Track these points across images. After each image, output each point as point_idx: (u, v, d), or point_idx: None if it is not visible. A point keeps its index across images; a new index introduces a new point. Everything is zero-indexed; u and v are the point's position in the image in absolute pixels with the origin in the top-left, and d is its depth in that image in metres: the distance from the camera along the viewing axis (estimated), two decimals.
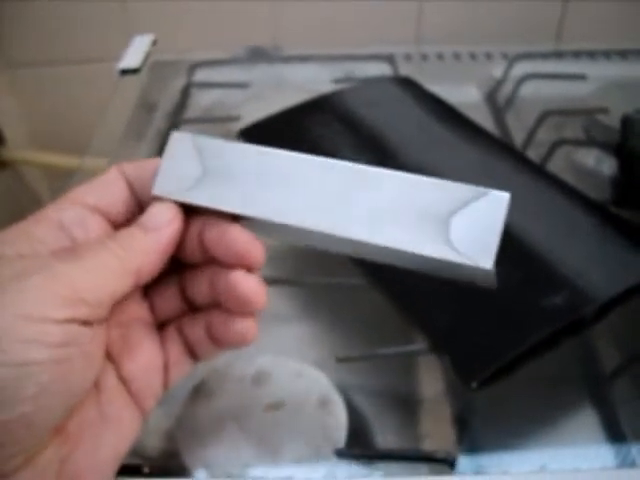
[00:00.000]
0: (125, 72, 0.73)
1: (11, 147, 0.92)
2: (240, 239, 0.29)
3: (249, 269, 0.30)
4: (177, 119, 0.68)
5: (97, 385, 0.29)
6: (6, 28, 0.89)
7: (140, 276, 0.29)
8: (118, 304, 0.30)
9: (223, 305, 0.30)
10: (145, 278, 0.29)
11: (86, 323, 0.26)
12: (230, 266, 0.30)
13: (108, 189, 0.31)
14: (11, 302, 0.25)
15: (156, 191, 0.30)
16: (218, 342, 0.31)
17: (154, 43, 0.77)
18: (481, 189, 0.27)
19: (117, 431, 0.30)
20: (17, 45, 0.91)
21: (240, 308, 0.30)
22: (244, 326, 0.30)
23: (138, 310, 0.32)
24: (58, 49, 0.92)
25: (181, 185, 0.30)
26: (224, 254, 0.30)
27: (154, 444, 0.38)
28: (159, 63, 0.77)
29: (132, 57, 0.74)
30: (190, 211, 0.30)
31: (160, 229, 0.29)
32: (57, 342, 0.25)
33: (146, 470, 0.35)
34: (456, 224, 0.27)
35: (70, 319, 0.25)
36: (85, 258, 0.27)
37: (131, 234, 0.29)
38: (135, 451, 0.36)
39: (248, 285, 0.29)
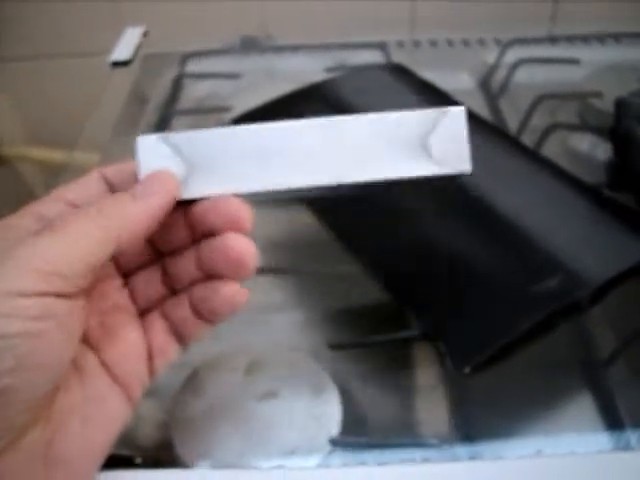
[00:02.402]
0: (116, 64, 0.72)
1: (5, 143, 0.92)
2: (231, 202, 0.30)
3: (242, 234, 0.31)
4: (169, 111, 0.67)
5: (79, 369, 0.30)
6: None
7: (121, 243, 0.28)
8: (96, 291, 0.30)
9: (213, 273, 0.31)
10: (126, 246, 0.29)
11: (63, 295, 0.26)
12: (221, 233, 0.30)
13: (88, 187, 0.31)
14: None
15: None
16: (207, 316, 0.32)
17: (145, 35, 0.77)
18: (440, 109, 0.31)
19: (103, 414, 0.30)
20: (8, 40, 0.91)
21: (232, 270, 0.31)
22: (232, 289, 0.31)
23: (117, 297, 0.32)
24: (50, 43, 0.91)
25: None
26: (216, 220, 0.30)
27: (147, 435, 0.38)
28: (150, 55, 0.76)
29: (123, 49, 0.74)
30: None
31: (149, 197, 0.29)
32: (34, 315, 0.25)
33: (138, 461, 0.35)
34: (431, 143, 0.31)
35: (45, 292, 0.26)
36: (60, 230, 0.27)
37: (116, 199, 0.29)
38: (127, 442, 0.36)
39: (240, 244, 0.30)
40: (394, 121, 0.31)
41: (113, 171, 0.32)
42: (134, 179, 0.31)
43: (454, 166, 0.31)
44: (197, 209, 0.31)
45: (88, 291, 0.28)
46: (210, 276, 0.31)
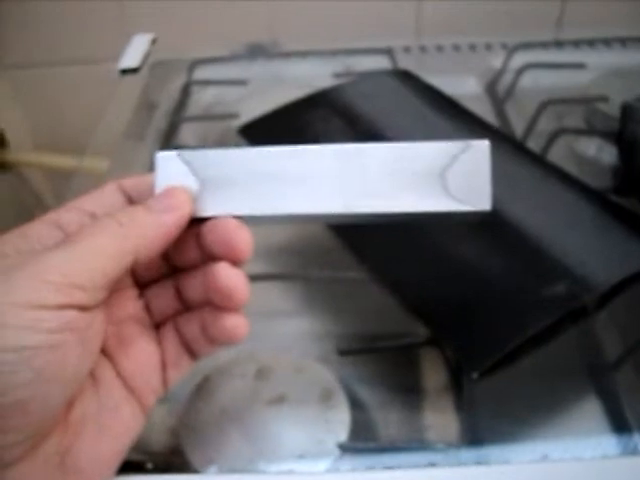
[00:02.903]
0: (125, 72, 0.73)
1: (13, 149, 0.93)
2: (229, 225, 0.30)
3: (238, 259, 0.30)
4: (177, 117, 0.68)
5: (95, 379, 0.30)
6: (5, 30, 0.89)
7: (138, 256, 0.28)
8: (113, 302, 0.31)
9: (212, 301, 0.31)
10: (143, 259, 0.29)
11: (82, 308, 0.27)
12: (221, 258, 0.30)
13: (106, 198, 0.32)
14: (4, 292, 0.25)
15: None
16: (212, 339, 0.32)
17: (154, 42, 0.77)
18: (462, 142, 0.30)
19: (118, 424, 0.30)
20: (16, 47, 0.91)
21: (223, 301, 0.30)
22: (232, 322, 0.31)
23: (133, 308, 0.32)
24: (57, 50, 0.92)
25: None
26: (215, 243, 0.30)
27: (158, 441, 0.38)
28: (159, 62, 0.77)
29: (132, 57, 0.74)
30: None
31: (164, 213, 0.29)
32: (52, 328, 0.25)
33: (150, 466, 0.35)
34: (451, 178, 0.30)
35: (65, 305, 0.26)
36: (77, 242, 0.27)
37: (133, 210, 0.30)
38: (139, 448, 0.36)
39: (228, 275, 0.30)
40: (412, 152, 0.30)
41: (131, 183, 0.32)
42: (152, 192, 0.31)
43: (473, 204, 0.30)
44: (204, 229, 0.31)
45: (106, 303, 0.29)
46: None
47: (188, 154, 0.31)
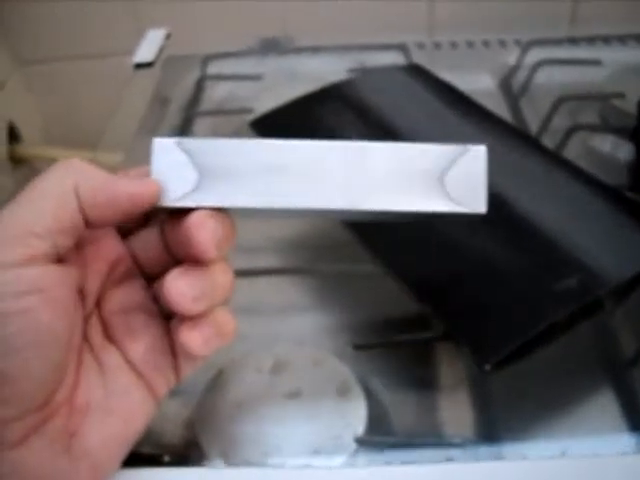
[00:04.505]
0: (140, 66, 0.73)
1: (27, 143, 0.93)
2: (192, 221, 0.29)
3: (197, 258, 0.29)
4: (191, 112, 0.68)
5: (102, 365, 0.30)
6: (18, 26, 0.90)
7: (79, 194, 0.27)
8: (119, 290, 0.31)
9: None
10: (89, 207, 0.28)
11: (44, 260, 0.26)
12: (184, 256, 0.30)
13: None
14: None
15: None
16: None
17: (168, 37, 0.77)
18: (461, 146, 0.31)
19: (127, 409, 0.30)
20: (30, 42, 0.92)
21: (169, 307, 0.29)
22: (184, 337, 0.30)
23: (141, 297, 0.32)
24: (70, 45, 0.92)
25: (180, 190, 0.30)
26: (177, 238, 0.30)
27: (173, 434, 0.38)
28: (172, 57, 0.77)
29: (146, 51, 0.75)
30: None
31: (119, 185, 0.28)
32: (19, 291, 0.25)
33: (167, 459, 0.36)
34: (449, 180, 0.31)
35: (25, 259, 0.25)
36: (22, 196, 0.27)
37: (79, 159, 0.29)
38: (155, 441, 0.36)
39: (175, 289, 0.29)
40: (413, 153, 0.31)
41: (134, 174, 0.31)
42: None
43: (469, 206, 0.31)
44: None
45: (79, 261, 0.29)
46: None
47: (187, 141, 0.30)
